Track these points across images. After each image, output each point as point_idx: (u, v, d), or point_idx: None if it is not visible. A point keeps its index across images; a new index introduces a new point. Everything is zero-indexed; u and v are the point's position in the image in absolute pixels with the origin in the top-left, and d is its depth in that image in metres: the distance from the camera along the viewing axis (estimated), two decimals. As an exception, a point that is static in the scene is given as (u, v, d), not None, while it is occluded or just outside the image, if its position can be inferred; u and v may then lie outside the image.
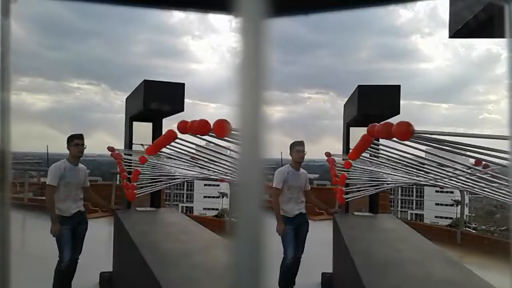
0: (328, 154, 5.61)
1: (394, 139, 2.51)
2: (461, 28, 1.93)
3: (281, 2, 0.68)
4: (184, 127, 3.13)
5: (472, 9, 1.76)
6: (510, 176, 2.27)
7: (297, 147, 4.93)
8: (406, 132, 2.17)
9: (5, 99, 0.72)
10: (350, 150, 4.95)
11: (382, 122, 2.46)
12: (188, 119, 3.39)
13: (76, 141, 4.52)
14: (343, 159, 5.65)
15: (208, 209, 17.21)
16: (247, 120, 0.45)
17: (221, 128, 2.70)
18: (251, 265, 0.45)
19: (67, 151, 4.58)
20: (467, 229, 9.37)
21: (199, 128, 2.89)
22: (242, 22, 0.45)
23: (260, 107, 0.45)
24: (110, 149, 5.56)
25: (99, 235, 6.57)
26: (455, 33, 2.03)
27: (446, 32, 2.13)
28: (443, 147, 2.47)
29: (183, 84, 5.49)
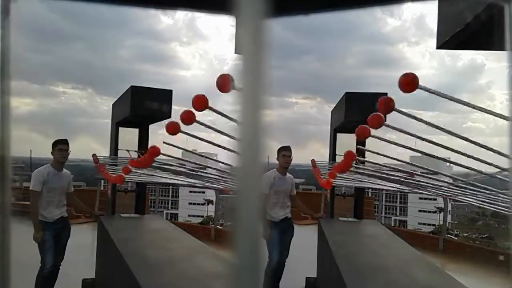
0: (314, 163, 5.63)
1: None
2: (449, 39, 1.97)
3: (281, 3, 0.69)
4: (189, 117, 3.10)
5: (460, 21, 1.79)
6: (510, 185, 2.32)
7: (283, 152, 4.96)
8: (412, 83, 2.22)
9: (5, 102, 0.71)
10: (335, 164, 4.91)
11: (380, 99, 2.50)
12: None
13: (60, 146, 4.47)
14: (328, 169, 5.69)
15: (193, 216, 17.09)
16: (246, 122, 0.44)
17: (224, 83, 2.71)
18: (250, 271, 0.44)
19: (51, 156, 4.53)
20: (449, 236, 9.49)
21: (198, 102, 2.89)
22: (241, 22, 0.44)
23: (260, 110, 0.44)
24: (95, 160, 5.52)
25: (82, 241, 6.49)
26: (442, 44, 2.07)
27: (432, 41, 2.17)
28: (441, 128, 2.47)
29: (171, 90, 5.50)
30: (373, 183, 5.16)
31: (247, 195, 0.45)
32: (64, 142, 4.51)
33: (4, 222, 0.72)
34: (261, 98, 0.45)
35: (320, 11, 0.80)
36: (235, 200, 0.45)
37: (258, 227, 0.45)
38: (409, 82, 2.22)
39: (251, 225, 0.45)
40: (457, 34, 1.87)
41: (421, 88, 2.26)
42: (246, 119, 0.44)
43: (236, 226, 0.44)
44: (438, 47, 2.12)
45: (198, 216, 14.54)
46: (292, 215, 5.16)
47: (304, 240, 5.99)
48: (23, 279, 4.60)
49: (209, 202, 12.73)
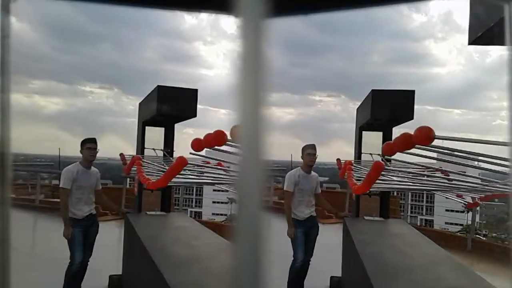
0: (339, 163, 5.56)
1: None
2: (481, 35, 1.92)
3: (281, 2, 0.68)
4: (199, 144, 3.12)
5: (493, 16, 1.75)
6: (510, 184, 2.26)
7: (308, 150, 4.93)
8: (427, 138, 2.18)
9: (5, 99, 0.72)
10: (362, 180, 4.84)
11: (398, 136, 2.49)
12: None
13: (88, 145, 4.57)
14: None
15: (217, 214, 17.22)
16: (247, 121, 0.44)
17: (218, 139, 2.74)
18: (251, 268, 0.44)
19: (78, 154, 4.63)
20: (477, 236, 9.28)
21: (216, 139, 2.91)
22: (242, 22, 0.44)
23: (260, 109, 0.44)
24: (122, 158, 5.62)
25: (109, 238, 6.62)
26: (474, 40, 2.02)
27: (460, 37, 2.14)
28: (458, 154, 2.46)
29: (196, 90, 5.54)
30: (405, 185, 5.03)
31: (249, 192, 0.45)
32: (93, 141, 4.61)
33: (4, 217, 0.74)
34: (260, 97, 0.45)
35: (321, 11, 0.80)
36: (237, 196, 0.45)
37: (260, 223, 0.45)
38: (424, 137, 2.18)
39: (253, 221, 0.45)
40: (490, 29, 1.82)
41: (437, 138, 2.23)
42: (246, 119, 0.44)
43: (238, 222, 0.45)
44: (470, 43, 2.07)
45: (221, 214, 14.62)
46: (316, 213, 5.13)
47: (329, 239, 5.96)
48: (53, 274, 4.73)
49: (233, 200, 12.79)
